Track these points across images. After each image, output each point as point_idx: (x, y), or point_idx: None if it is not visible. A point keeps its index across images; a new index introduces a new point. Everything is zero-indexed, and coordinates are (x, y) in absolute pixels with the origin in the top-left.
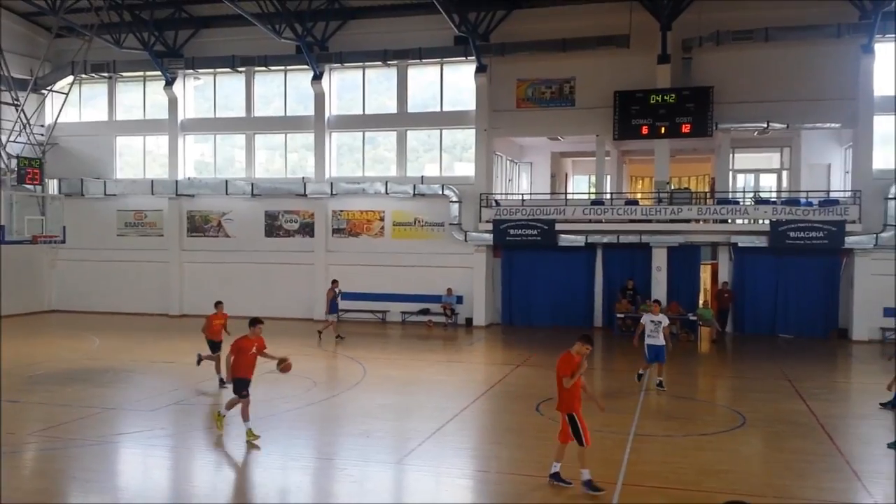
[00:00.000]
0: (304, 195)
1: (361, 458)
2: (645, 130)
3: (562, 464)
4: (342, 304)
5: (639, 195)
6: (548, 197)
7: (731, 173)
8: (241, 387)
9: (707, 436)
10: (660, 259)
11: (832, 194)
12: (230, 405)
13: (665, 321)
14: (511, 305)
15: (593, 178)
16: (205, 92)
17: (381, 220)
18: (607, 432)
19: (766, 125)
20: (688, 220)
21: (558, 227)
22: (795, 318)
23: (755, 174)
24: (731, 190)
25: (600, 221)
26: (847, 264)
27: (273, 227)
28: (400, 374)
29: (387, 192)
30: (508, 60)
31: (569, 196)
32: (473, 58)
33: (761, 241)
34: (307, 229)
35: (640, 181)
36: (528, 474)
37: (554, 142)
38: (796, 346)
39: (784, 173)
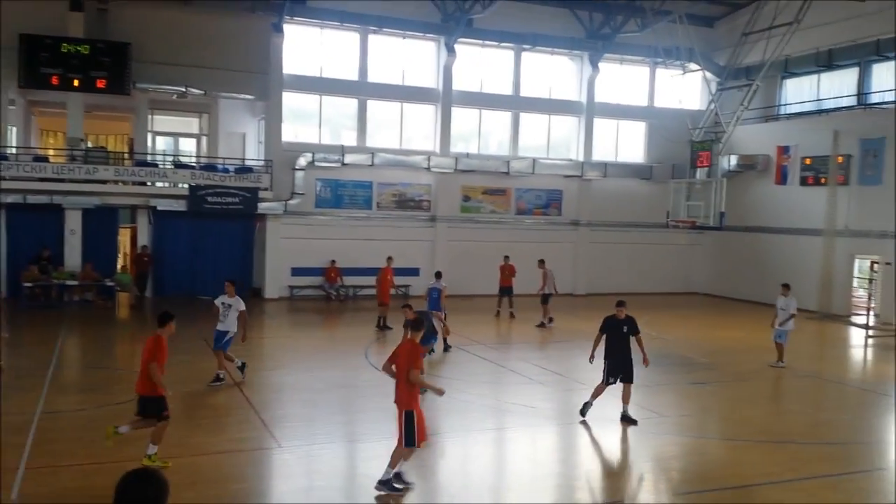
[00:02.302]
0: None
1: None
2: (56, 81)
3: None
4: None
5: (50, 152)
6: None
7: (150, 135)
8: (162, 404)
9: (122, 405)
10: (74, 222)
11: (247, 162)
12: (139, 426)
13: (241, 305)
14: None
15: None
16: None
17: None
18: (8, 415)
19: (184, 89)
20: (105, 181)
21: None
22: (213, 280)
23: (175, 138)
24: (150, 152)
25: (4, 179)
26: (260, 228)
27: None
28: None
29: None
30: None
31: None
32: None
33: (181, 205)
34: None
35: (53, 136)
36: None
37: None
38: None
39: (203, 139)
